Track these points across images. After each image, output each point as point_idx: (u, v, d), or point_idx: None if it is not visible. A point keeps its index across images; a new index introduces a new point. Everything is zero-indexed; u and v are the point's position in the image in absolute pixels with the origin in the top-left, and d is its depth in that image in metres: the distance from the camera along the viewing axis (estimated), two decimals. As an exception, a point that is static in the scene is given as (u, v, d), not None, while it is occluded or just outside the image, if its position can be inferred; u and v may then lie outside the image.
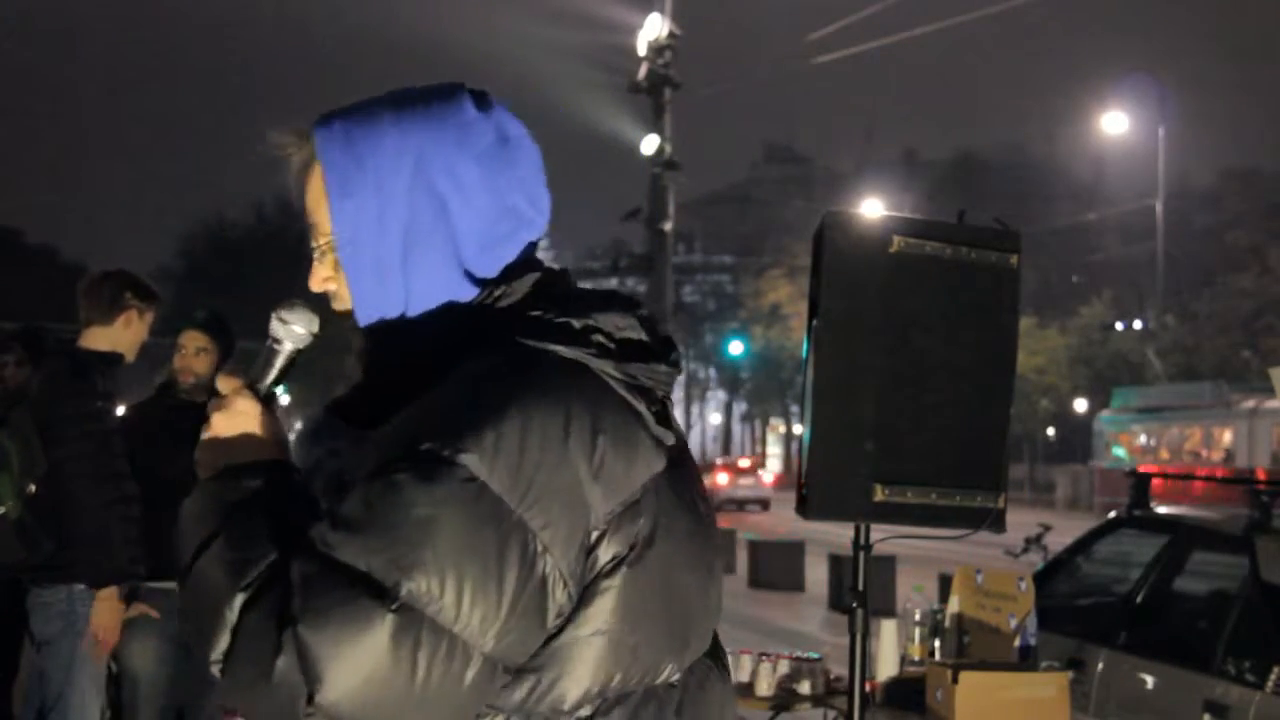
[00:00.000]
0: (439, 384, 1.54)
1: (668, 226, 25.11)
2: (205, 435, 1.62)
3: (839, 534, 6.59)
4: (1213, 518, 6.47)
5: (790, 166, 79.49)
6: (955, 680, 4.25)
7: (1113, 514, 7.10)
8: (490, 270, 1.64)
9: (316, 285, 1.70)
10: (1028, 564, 10.68)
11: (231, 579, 1.47)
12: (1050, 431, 52.98)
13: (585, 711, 1.54)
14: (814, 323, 3.76)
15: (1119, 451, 34.99)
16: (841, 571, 14.47)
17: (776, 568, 17.86)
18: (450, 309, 1.63)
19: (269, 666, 1.41)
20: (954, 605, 4.83)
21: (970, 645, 4.75)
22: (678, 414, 1.70)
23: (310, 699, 1.40)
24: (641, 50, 24.87)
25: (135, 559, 4.63)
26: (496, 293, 1.64)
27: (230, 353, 5.44)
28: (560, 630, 1.51)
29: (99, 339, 4.79)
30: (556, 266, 1.73)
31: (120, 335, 4.82)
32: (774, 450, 75.43)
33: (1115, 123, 41.08)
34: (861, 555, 3.91)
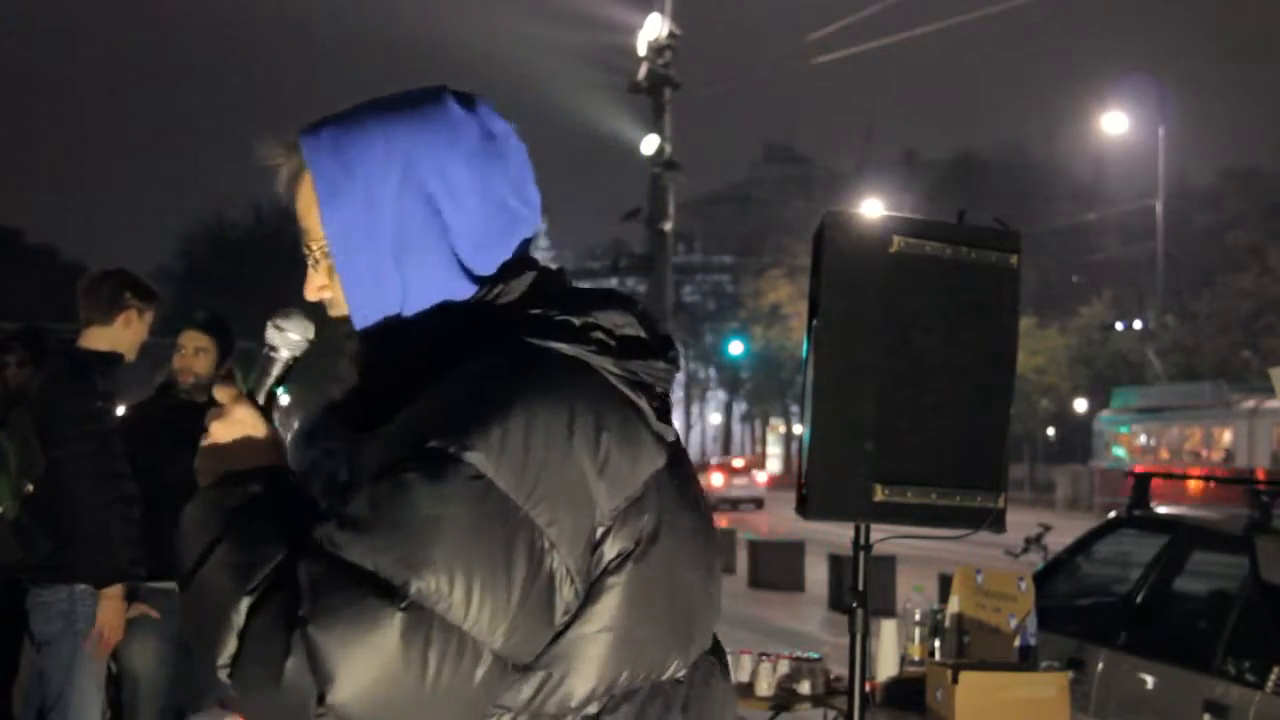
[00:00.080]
0: (441, 383, 1.54)
1: (668, 226, 25.13)
2: (204, 443, 1.63)
3: (839, 534, 6.59)
4: (1213, 518, 6.47)
5: (790, 166, 79.45)
6: (955, 680, 4.25)
7: (1113, 514, 7.10)
8: (487, 268, 1.65)
9: (312, 294, 1.71)
10: (1028, 564, 10.68)
11: (237, 583, 1.47)
12: (1050, 431, 52.97)
13: (593, 709, 1.54)
14: (814, 323, 3.76)
15: (1119, 451, 34.99)
16: (841, 571, 14.48)
17: (776, 568, 17.87)
18: (447, 308, 1.64)
19: (278, 668, 1.41)
20: (954, 605, 4.83)
21: (970, 645, 4.75)
22: (677, 414, 1.70)
23: (321, 699, 1.40)
24: (641, 50, 24.88)
25: (135, 559, 4.63)
26: (494, 291, 1.65)
27: (229, 353, 5.44)
28: (567, 628, 1.51)
29: (99, 339, 4.79)
30: (554, 266, 1.73)
31: (120, 335, 4.82)
32: (774, 450, 75.42)
33: (1115, 123, 41.08)
34: (861, 555, 3.91)
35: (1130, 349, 43.73)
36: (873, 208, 25.24)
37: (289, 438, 1.70)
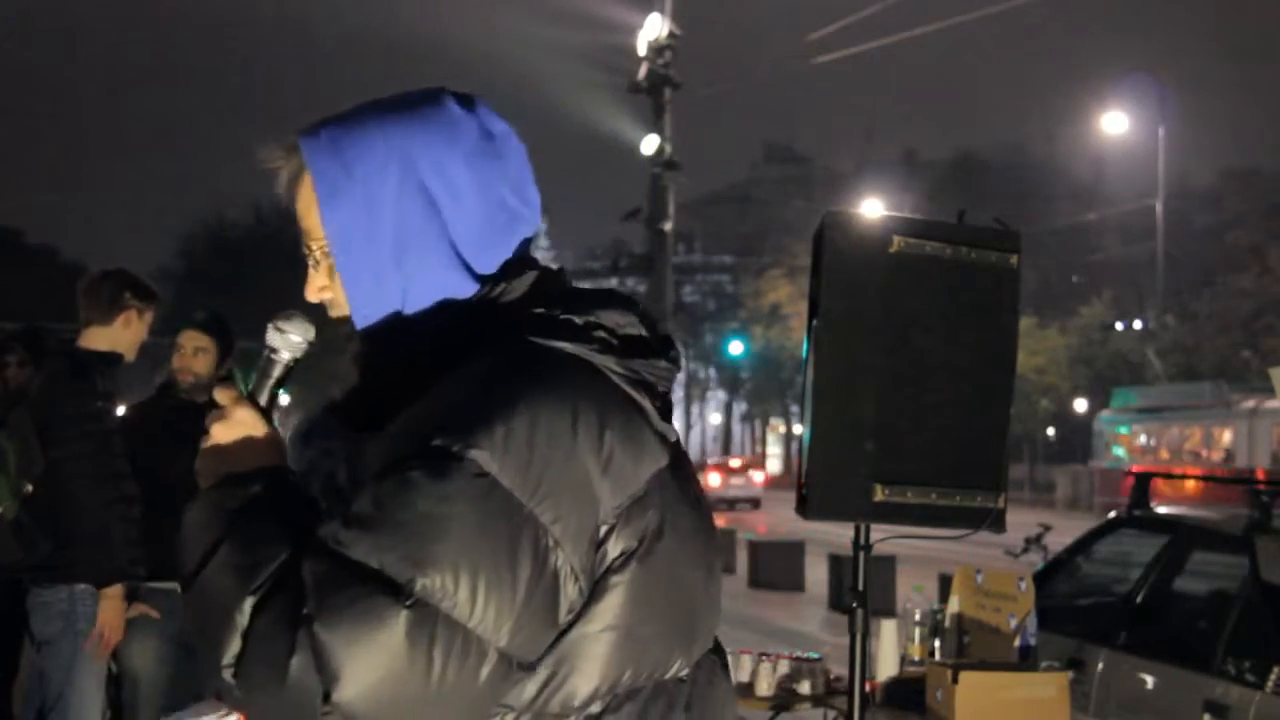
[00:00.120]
0: (444, 382, 1.54)
1: (668, 226, 25.13)
2: (205, 445, 1.63)
3: (839, 534, 6.59)
4: (1213, 518, 6.47)
5: (790, 166, 79.43)
6: (955, 680, 4.25)
7: (1113, 514, 7.11)
8: (488, 268, 1.65)
9: (313, 295, 1.71)
10: (1028, 564, 10.68)
11: (240, 583, 1.47)
12: (1050, 431, 52.97)
13: (596, 708, 1.54)
14: (814, 323, 3.76)
15: (1119, 451, 34.99)
16: (841, 571, 14.48)
17: (776, 568, 17.87)
18: (448, 306, 1.64)
19: (283, 667, 1.41)
20: (954, 605, 4.83)
21: (970, 645, 4.75)
22: (677, 414, 1.71)
23: (326, 698, 1.40)
24: (641, 50, 24.89)
25: (135, 559, 4.63)
26: (496, 290, 1.65)
27: (229, 352, 5.44)
28: (570, 626, 1.51)
29: (98, 339, 4.79)
30: (554, 266, 1.74)
31: (120, 335, 4.82)
32: (774, 450, 75.43)
33: (1115, 123, 41.08)
34: (861, 555, 3.91)
35: (1130, 349, 43.72)
36: (873, 208, 25.24)
37: (287, 438, 1.70)
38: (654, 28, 24.59)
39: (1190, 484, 22.05)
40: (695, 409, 78.29)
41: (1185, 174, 54.76)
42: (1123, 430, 35.17)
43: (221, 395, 1.66)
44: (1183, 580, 6.33)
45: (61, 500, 4.52)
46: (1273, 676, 5.01)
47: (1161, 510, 6.77)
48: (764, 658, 5.12)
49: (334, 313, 1.71)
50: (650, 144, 24.84)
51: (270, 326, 1.69)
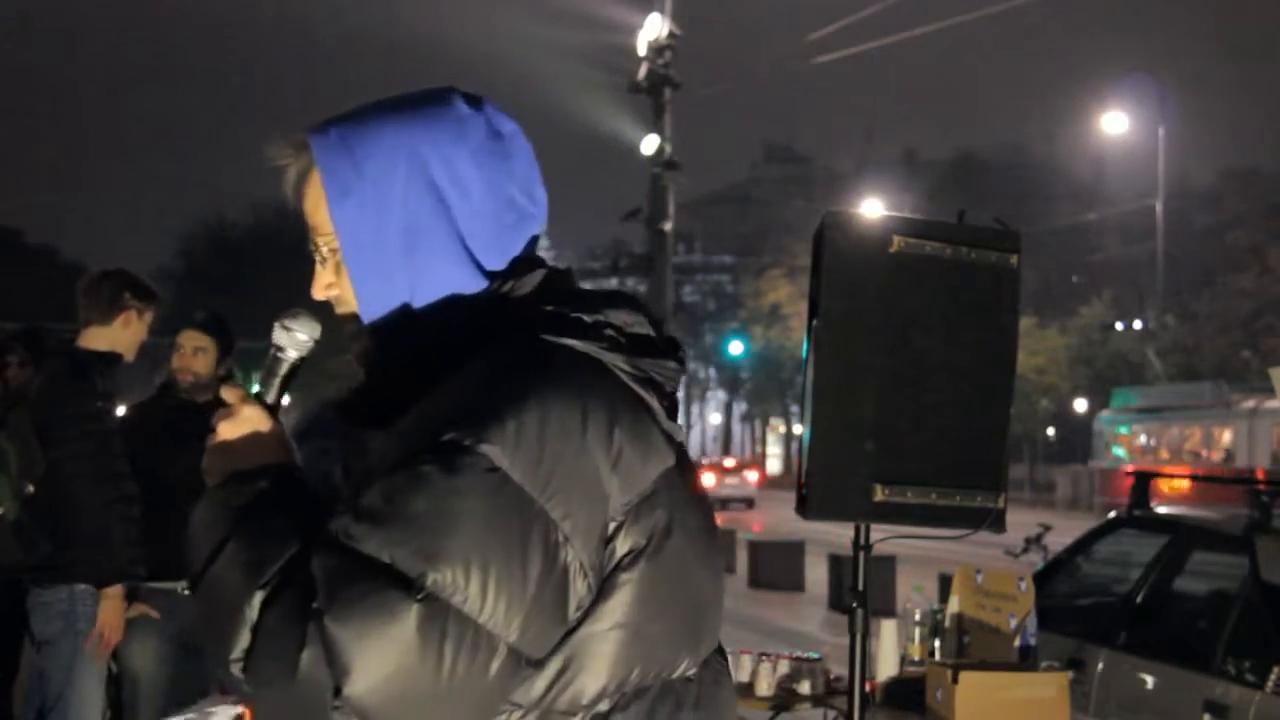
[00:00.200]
0: (455, 377, 1.55)
1: (668, 226, 25.14)
2: (212, 443, 1.63)
3: (839, 534, 6.58)
4: (1213, 518, 6.48)
5: (790, 166, 79.46)
6: (955, 680, 4.25)
7: (1113, 514, 7.11)
8: (497, 265, 1.66)
9: (319, 293, 1.71)
10: (1028, 564, 10.68)
11: (249, 578, 1.47)
12: (1050, 431, 52.98)
13: (604, 706, 1.54)
14: (814, 323, 3.76)
15: (1119, 451, 34.99)
16: (841, 571, 14.48)
17: (776, 568, 17.88)
18: (456, 302, 1.65)
19: (293, 661, 1.41)
20: (954, 605, 4.83)
21: (970, 645, 4.75)
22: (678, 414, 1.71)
23: (337, 692, 1.40)
24: (641, 50, 24.90)
25: (135, 559, 4.63)
26: (505, 287, 1.66)
27: (229, 352, 5.44)
28: (579, 624, 1.51)
29: (98, 339, 4.79)
30: (561, 266, 1.74)
31: (119, 335, 4.83)
32: (774, 450, 75.45)
33: (1115, 123, 41.10)
34: (861, 555, 3.91)
35: (1130, 349, 43.73)
36: (873, 208, 25.23)
37: None
38: (654, 28, 24.60)
39: (1188, 484, 22.06)
40: (695, 409, 78.31)
41: (1185, 174, 54.81)
42: (1123, 430, 35.17)
43: (228, 393, 1.66)
44: (1183, 580, 6.34)
45: (61, 500, 4.52)
46: (1273, 676, 5.01)
47: (1161, 510, 6.78)
48: (764, 658, 5.12)
49: (340, 309, 1.71)
50: (650, 144, 24.85)
51: (277, 325, 1.70)
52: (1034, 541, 13.27)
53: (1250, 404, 30.25)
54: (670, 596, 1.57)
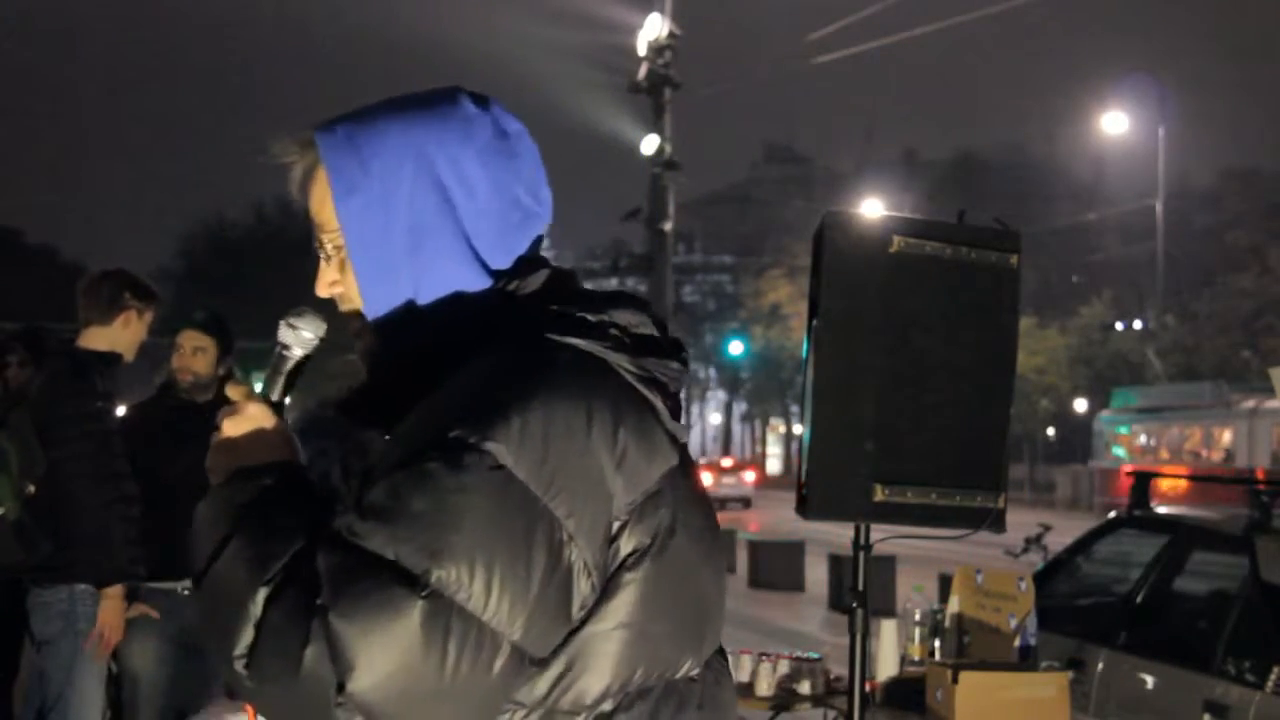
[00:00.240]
0: (460, 375, 1.55)
1: (668, 226, 25.12)
2: (216, 440, 1.64)
3: (839, 534, 6.59)
4: (1213, 518, 6.48)
5: (790, 166, 79.46)
6: (955, 680, 4.25)
7: (1113, 514, 7.11)
8: (502, 264, 1.66)
9: (324, 290, 1.71)
10: (1028, 564, 10.68)
11: (253, 574, 1.47)
12: (1050, 431, 52.97)
13: (608, 706, 1.54)
14: (814, 323, 3.76)
15: (1119, 451, 34.99)
16: (841, 571, 14.48)
17: (776, 568, 17.88)
18: (460, 300, 1.65)
19: (297, 658, 1.41)
20: (954, 605, 4.84)
21: (970, 645, 4.75)
22: (677, 414, 1.71)
23: (341, 688, 1.39)
24: (641, 50, 24.87)
25: (135, 559, 4.63)
26: (510, 286, 1.66)
27: (229, 352, 5.44)
28: (583, 624, 1.51)
29: (98, 339, 4.79)
30: (565, 267, 1.74)
31: (119, 335, 4.82)
32: (774, 450, 75.44)
33: (1115, 123, 41.09)
34: (861, 555, 3.91)
35: (1130, 349, 43.73)
36: (873, 208, 25.25)
37: None
38: (654, 28, 24.57)
39: (1188, 484, 22.06)
40: (695, 409, 78.27)
41: (1185, 174, 54.82)
42: (1123, 430, 35.17)
43: (233, 391, 1.67)
44: (1183, 580, 6.34)
45: (62, 500, 4.52)
46: (1273, 676, 5.01)
47: (1161, 510, 6.78)
48: (764, 658, 5.12)
49: (345, 306, 1.71)
50: (650, 144, 24.83)
51: (282, 323, 1.70)
52: (1034, 541, 13.27)
53: (1250, 404, 30.25)
54: (674, 596, 1.57)
